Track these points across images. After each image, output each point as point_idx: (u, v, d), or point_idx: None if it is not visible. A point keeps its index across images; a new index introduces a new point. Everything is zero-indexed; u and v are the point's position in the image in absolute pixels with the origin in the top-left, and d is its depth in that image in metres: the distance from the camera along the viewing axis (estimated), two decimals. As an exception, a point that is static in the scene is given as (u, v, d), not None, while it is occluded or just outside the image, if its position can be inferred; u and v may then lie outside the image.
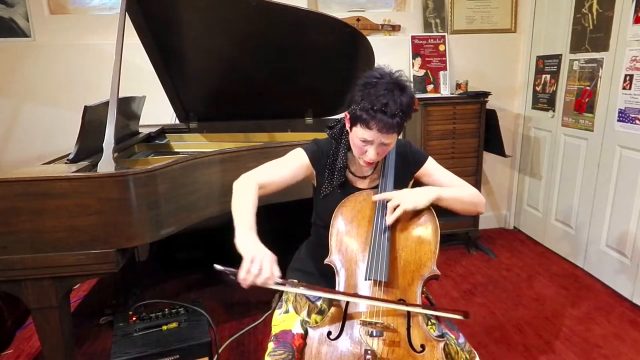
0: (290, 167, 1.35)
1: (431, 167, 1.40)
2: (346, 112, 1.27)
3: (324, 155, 1.37)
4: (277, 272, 1.07)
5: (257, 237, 1.13)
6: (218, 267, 1.07)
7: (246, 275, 1.04)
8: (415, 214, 1.28)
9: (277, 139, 2.62)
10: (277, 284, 1.08)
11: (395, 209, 1.24)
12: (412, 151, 1.42)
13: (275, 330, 1.31)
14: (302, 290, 1.16)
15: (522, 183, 3.50)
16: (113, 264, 1.54)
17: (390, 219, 1.24)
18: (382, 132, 1.18)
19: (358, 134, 1.21)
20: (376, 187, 1.35)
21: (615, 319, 2.34)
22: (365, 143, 1.22)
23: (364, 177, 1.39)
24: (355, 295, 1.18)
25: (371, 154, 1.23)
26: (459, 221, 3.10)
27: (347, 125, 1.28)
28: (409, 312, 1.17)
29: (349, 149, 1.34)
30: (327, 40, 2.26)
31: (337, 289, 1.23)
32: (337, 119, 1.40)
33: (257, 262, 1.05)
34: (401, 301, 1.18)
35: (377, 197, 1.28)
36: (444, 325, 1.29)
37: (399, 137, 1.41)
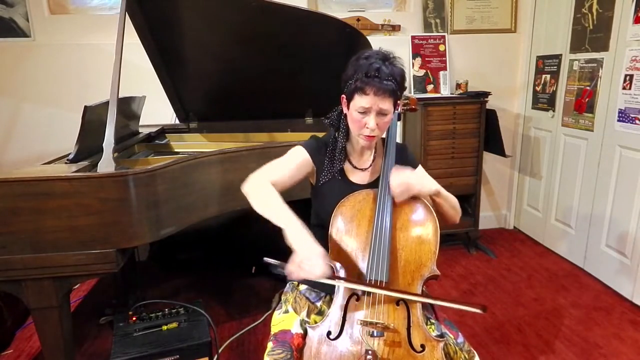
0: (294, 164, 1.36)
1: (421, 174, 1.41)
2: (342, 95, 1.30)
3: (322, 147, 1.39)
4: (325, 267, 1.09)
5: (307, 231, 1.15)
6: (268, 260, 1.13)
7: (297, 270, 1.08)
8: (415, 213, 1.29)
9: (277, 139, 2.62)
10: (327, 277, 1.11)
11: (402, 185, 1.25)
12: (408, 156, 1.45)
13: (274, 330, 1.31)
14: (348, 284, 1.18)
15: (522, 183, 3.50)
16: (113, 264, 1.54)
17: (397, 197, 1.26)
18: (378, 95, 1.21)
19: (356, 105, 1.24)
20: (375, 180, 1.35)
21: (615, 319, 2.34)
22: (364, 114, 1.24)
23: (363, 170, 1.39)
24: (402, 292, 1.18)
25: (371, 124, 1.24)
26: (459, 221, 3.09)
27: (345, 108, 1.31)
28: (409, 313, 1.17)
29: (347, 136, 1.36)
30: (327, 41, 2.26)
31: (337, 288, 1.23)
32: (334, 108, 1.41)
33: (309, 259, 1.08)
34: (402, 301, 1.18)
35: (395, 170, 1.28)
36: (443, 325, 1.30)
37: (398, 142, 1.42)
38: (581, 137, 2.83)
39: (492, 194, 3.61)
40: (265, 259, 1.12)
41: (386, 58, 1.24)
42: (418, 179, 1.30)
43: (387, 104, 1.23)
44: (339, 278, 1.17)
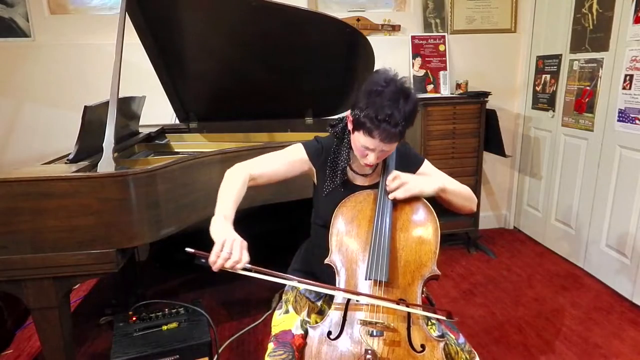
0: (286, 161, 1.36)
1: (428, 169, 1.42)
2: (349, 115, 1.26)
3: (324, 152, 1.38)
4: (245, 257, 1.12)
5: (230, 225, 1.17)
6: (189, 250, 1.13)
7: (216, 258, 1.10)
8: (416, 213, 1.29)
9: (277, 139, 2.62)
10: (246, 269, 1.13)
11: (400, 187, 1.25)
12: (411, 153, 1.44)
13: (275, 330, 1.31)
14: (270, 278, 1.17)
15: (522, 183, 3.50)
16: (113, 264, 1.54)
17: (392, 195, 1.26)
18: (384, 141, 1.18)
19: (360, 141, 1.22)
20: (376, 184, 1.35)
21: (615, 319, 2.34)
22: (366, 149, 1.23)
23: (365, 175, 1.39)
24: (333, 287, 1.20)
25: (371, 159, 1.23)
26: (459, 221, 3.10)
27: (350, 127, 1.28)
28: (409, 312, 1.17)
29: (351, 147, 1.34)
30: (327, 41, 2.26)
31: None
32: (340, 117, 1.40)
33: (228, 247, 1.10)
34: (401, 301, 1.18)
35: (390, 176, 1.28)
36: (443, 325, 1.30)
37: None
38: (581, 137, 2.83)
39: (492, 194, 3.61)
40: (187, 249, 1.13)
41: (401, 94, 1.17)
42: (416, 178, 1.30)
43: (391, 146, 1.22)
44: (262, 272, 1.15)
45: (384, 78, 1.20)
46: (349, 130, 1.31)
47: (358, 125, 1.21)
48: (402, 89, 1.19)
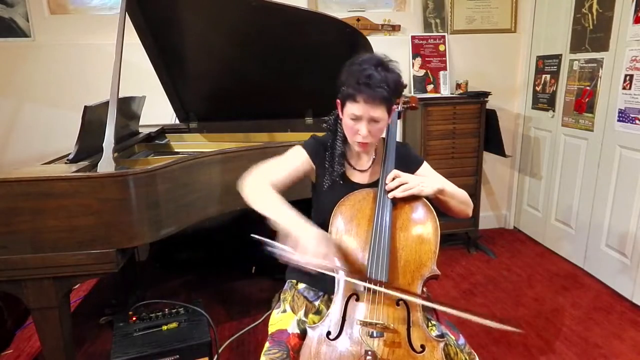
0: (293, 164, 1.37)
1: (427, 171, 1.43)
2: (337, 100, 1.30)
3: (322, 148, 1.39)
4: (331, 251, 1.14)
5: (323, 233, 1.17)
6: (257, 237, 1.12)
7: (296, 247, 1.10)
8: (415, 212, 1.29)
9: (277, 139, 2.62)
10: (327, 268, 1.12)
11: (400, 186, 1.26)
12: (410, 154, 1.45)
13: (271, 329, 1.31)
14: (350, 279, 1.17)
15: (522, 183, 3.50)
16: (113, 264, 1.54)
17: (391, 194, 1.26)
18: (368, 103, 1.20)
19: (348, 112, 1.24)
20: (376, 181, 1.35)
21: (615, 319, 2.34)
22: (356, 120, 1.24)
23: (363, 171, 1.39)
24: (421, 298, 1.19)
25: (362, 131, 1.24)
26: (459, 221, 3.08)
27: (339, 112, 1.31)
28: (408, 313, 1.17)
29: (345, 139, 1.36)
30: (327, 41, 2.26)
31: (336, 288, 1.23)
32: (332, 112, 1.42)
33: (311, 239, 1.12)
34: (402, 301, 1.18)
35: (390, 175, 1.28)
36: (443, 325, 1.30)
37: (398, 140, 1.42)
38: (581, 137, 2.83)
39: (492, 194, 3.61)
40: (254, 235, 1.11)
41: (379, 63, 1.22)
42: (415, 178, 1.30)
43: (378, 112, 1.22)
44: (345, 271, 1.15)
45: (363, 55, 1.26)
46: (341, 119, 1.32)
47: (344, 99, 1.25)
48: (382, 61, 1.23)
